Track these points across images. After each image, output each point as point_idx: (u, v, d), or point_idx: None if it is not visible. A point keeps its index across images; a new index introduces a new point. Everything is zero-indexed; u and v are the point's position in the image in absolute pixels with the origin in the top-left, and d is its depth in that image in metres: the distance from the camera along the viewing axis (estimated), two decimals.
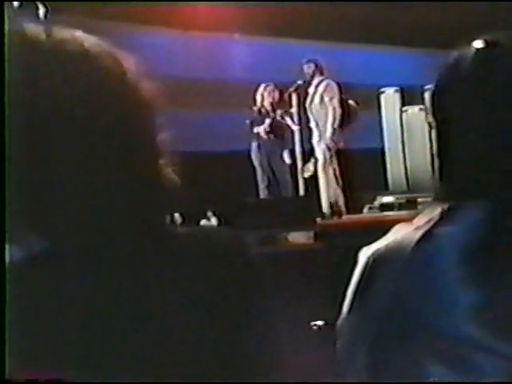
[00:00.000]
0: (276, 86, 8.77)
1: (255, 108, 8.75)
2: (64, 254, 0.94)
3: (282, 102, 8.79)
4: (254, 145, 8.67)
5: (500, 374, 1.03)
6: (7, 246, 0.93)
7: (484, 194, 1.11)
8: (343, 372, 1.15)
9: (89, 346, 0.92)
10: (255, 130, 8.65)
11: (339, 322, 1.16)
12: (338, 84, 8.58)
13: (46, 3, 5.71)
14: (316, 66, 8.56)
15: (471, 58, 1.16)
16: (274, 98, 8.75)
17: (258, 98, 8.77)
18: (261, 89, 8.76)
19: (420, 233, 1.11)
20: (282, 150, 8.75)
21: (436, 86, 1.19)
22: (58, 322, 0.92)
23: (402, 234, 1.14)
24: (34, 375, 0.90)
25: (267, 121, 8.67)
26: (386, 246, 1.14)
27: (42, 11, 5.59)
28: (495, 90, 1.13)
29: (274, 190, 8.67)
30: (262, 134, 8.62)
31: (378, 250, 1.14)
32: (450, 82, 1.17)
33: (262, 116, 8.74)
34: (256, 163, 8.67)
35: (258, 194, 8.62)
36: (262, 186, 8.66)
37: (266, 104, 8.75)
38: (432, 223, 1.12)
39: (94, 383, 0.91)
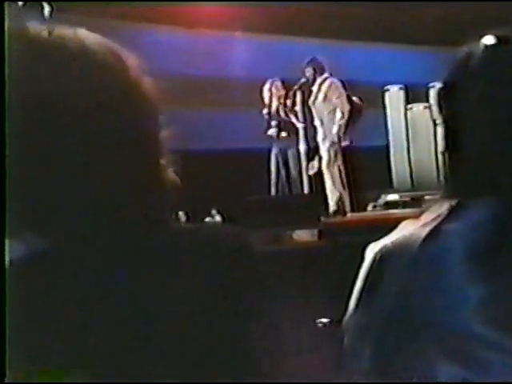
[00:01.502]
0: (282, 81, 8.75)
1: (265, 111, 8.72)
2: (65, 252, 0.94)
3: (287, 99, 8.78)
4: (272, 143, 8.69)
5: (508, 370, 1.03)
6: (7, 245, 0.93)
7: (492, 191, 1.11)
8: (349, 368, 1.15)
9: (90, 346, 0.92)
10: (268, 132, 8.65)
11: (346, 318, 1.16)
12: (342, 82, 8.58)
13: (52, 2, 5.72)
14: (317, 66, 8.54)
15: (481, 54, 1.15)
16: (281, 94, 8.73)
17: (267, 94, 8.74)
18: (267, 85, 8.73)
19: (427, 229, 1.11)
20: (296, 147, 8.76)
21: (445, 82, 1.19)
22: (58, 321, 0.92)
23: (409, 230, 1.14)
24: (33, 375, 0.90)
25: (273, 122, 8.66)
26: (394, 242, 1.14)
27: (47, 10, 5.60)
28: (505, 87, 1.12)
29: (286, 187, 8.67)
30: (274, 135, 8.63)
31: (385, 246, 1.14)
32: (459, 79, 1.17)
33: (273, 115, 8.73)
34: (272, 162, 8.67)
35: (268, 192, 8.62)
36: (273, 182, 8.67)
37: (275, 100, 8.73)
38: (439, 220, 1.12)
39: (94, 383, 0.91)
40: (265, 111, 8.72)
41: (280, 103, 8.72)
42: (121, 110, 0.95)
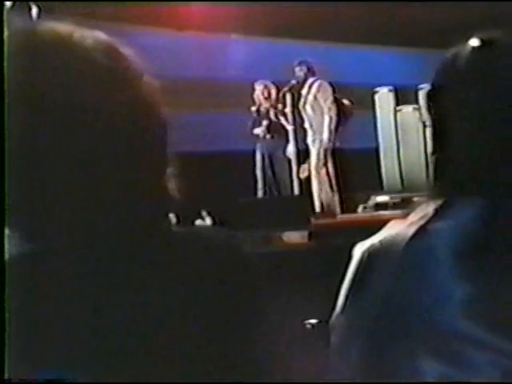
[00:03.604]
0: (274, 83, 8.74)
1: (254, 108, 8.71)
2: (62, 253, 0.94)
3: (278, 101, 8.77)
4: (259, 145, 8.68)
5: (494, 369, 1.04)
6: (7, 244, 0.93)
7: (477, 191, 1.12)
8: (337, 368, 1.15)
9: (88, 346, 0.92)
10: (255, 131, 8.64)
11: (333, 317, 1.16)
12: (331, 84, 8.59)
13: (39, 3, 5.70)
14: (308, 68, 8.55)
15: (467, 56, 1.16)
16: (272, 97, 8.73)
17: (259, 96, 8.73)
18: (260, 87, 8.72)
19: (414, 229, 1.12)
20: (283, 150, 8.75)
21: (432, 84, 1.20)
22: (58, 322, 0.92)
23: (396, 229, 1.14)
24: (34, 375, 0.90)
25: (264, 122, 8.66)
26: (380, 241, 1.15)
27: (34, 11, 5.58)
28: (491, 89, 1.13)
29: (273, 189, 8.66)
30: (261, 135, 8.62)
31: (372, 245, 1.15)
32: (446, 81, 1.18)
33: (261, 116, 8.72)
34: (257, 163, 8.66)
35: (255, 194, 8.62)
36: (260, 185, 8.66)
37: (265, 103, 8.72)
38: (426, 219, 1.12)
39: (94, 383, 0.91)
40: (253, 108, 8.71)
41: (271, 105, 8.72)
42: (116, 111, 0.95)
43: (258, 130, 8.65)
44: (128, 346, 0.93)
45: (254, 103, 8.73)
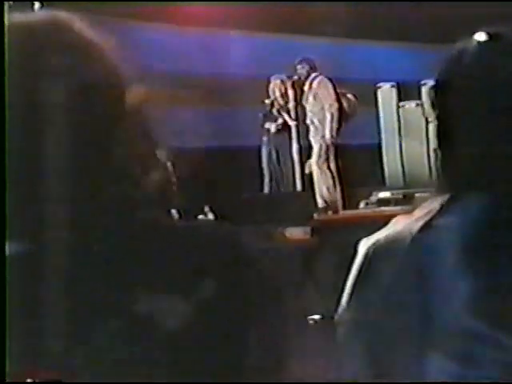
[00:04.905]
0: (290, 78, 8.69)
1: (268, 101, 8.68)
2: (62, 251, 0.94)
3: (281, 96, 8.75)
4: (265, 139, 8.65)
5: (499, 365, 1.04)
6: (7, 244, 0.93)
7: (483, 186, 1.12)
8: (342, 364, 1.15)
9: (90, 345, 0.92)
10: (266, 125, 8.62)
11: (339, 313, 1.16)
12: (331, 80, 8.57)
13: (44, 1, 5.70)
14: (309, 65, 8.54)
15: (473, 50, 1.16)
16: (289, 92, 8.70)
17: (276, 92, 8.69)
18: (277, 81, 8.68)
19: (419, 224, 1.11)
20: (291, 145, 8.75)
21: (437, 79, 1.19)
22: (59, 320, 0.92)
23: (401, 225, 1.14)
24: (34, 375, 0.90)
25: (272, 116, 8.65)
26: (386, 237, 1.14)
27: (37, 5, 5.59)
28: (496, 84, 1.13)
29: (279, 184, 8.66)
30: (273, 129, 8.61)
31: (377, 241, 1.15)
32: (451, 76, 1.18)
33: (274, 109, 8.70)
34: (264, 158, 8.64)
35: (260, 190, 8.61)
36: (267, 181, 8.65)
37: (280, 98, 8.69)
38: (431, 215, 1.12)
39: (94, 383, 0.91)
40: (267, 101, 8.68)
41: (285, 101, 8.70)
42: (115, 106, 0.95)
43: (269, 125, 8.63)
44: (129, 344, 0.93)
45: (268, 97, 8.70)
